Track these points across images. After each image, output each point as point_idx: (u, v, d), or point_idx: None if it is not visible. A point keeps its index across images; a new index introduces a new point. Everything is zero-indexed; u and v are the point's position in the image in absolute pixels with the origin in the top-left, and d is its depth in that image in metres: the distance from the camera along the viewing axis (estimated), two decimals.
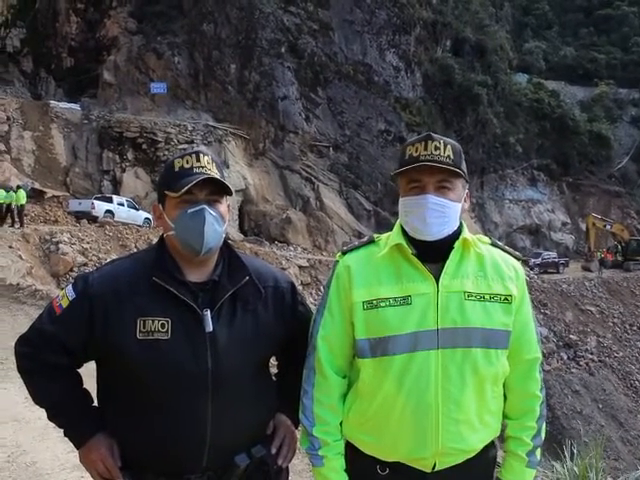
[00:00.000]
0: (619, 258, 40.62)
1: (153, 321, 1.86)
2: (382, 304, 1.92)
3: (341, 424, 2.02)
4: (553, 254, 39.16)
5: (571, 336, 30.35)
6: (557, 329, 30.20)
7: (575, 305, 32.73)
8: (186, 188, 1.86)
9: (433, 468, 1.92)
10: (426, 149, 1.90)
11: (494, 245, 2.07)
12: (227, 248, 2.05)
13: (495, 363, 1.92)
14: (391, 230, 2.07)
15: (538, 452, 2.05)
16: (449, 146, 1.92)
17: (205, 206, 1.89)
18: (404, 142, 2.07)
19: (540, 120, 46.99)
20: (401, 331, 1.89)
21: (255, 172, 33.52)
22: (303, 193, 34.29)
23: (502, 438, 2.09)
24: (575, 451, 4.40)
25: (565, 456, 4.51)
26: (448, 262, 1.93)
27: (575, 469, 4.10)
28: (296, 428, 2.14)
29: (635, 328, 33.40)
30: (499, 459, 2.10)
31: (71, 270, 18.07)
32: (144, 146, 30.67)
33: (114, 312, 1.87)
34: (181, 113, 33.70)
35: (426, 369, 1.88)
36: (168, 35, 35.24)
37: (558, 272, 36.43)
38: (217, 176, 1.92)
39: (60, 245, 18.91)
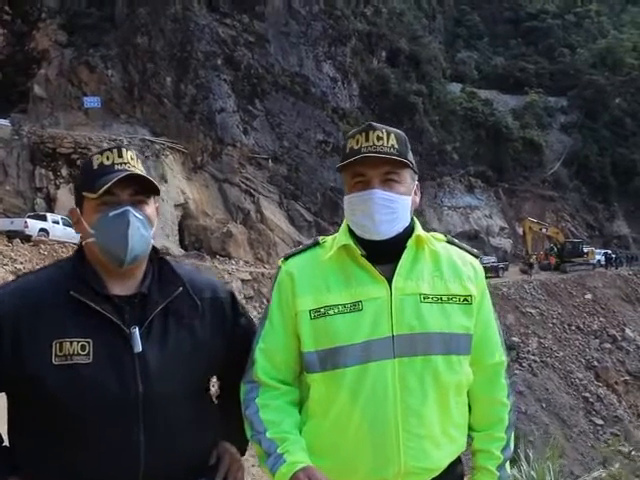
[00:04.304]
0: (556, 260, 41.78)
1: (71, 343, 1.61)
2: (331, 312, 1.74)
3: (300, 432, 1.77)
4: (493, 259, 39.85)
5: (513, 338, 30.92)
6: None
7: (516, 308, 33.43)
8: (106, 187, 1.63)
9: None
10: (367, 140, 1.75)
11: (450, 242, 1.92)
12: (157, 256, 1.82)
13: (458, 370, 1.76)
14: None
15: (508, 466, 1.89)
16: (393, 135, 1.77)
17: (129, 208, 1.67)
18: None
19: (475, 128, 48.11)
20: (351, 341, 1.71)
21: (194, 186, 33.06)
22: (243, 206, 33.99)
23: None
24: (531, 454, 4.30)
25: (520, 459, 4.42)
26: (401, 262, 1.76)
27: (533, 473, 4.00)
28: (242, 456, 1.91)
29: (573, 328, 34.39)
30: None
31: None
32: (79, 162, 29.72)
33: (25, 334, 1.61)
34: (116, 127, 32.94)
35: (382, 381, 1.70)
36: (101, 48, 34.47)
37: (498, 276, 37.08)
38: (142, 172, 1.70)
39: None
